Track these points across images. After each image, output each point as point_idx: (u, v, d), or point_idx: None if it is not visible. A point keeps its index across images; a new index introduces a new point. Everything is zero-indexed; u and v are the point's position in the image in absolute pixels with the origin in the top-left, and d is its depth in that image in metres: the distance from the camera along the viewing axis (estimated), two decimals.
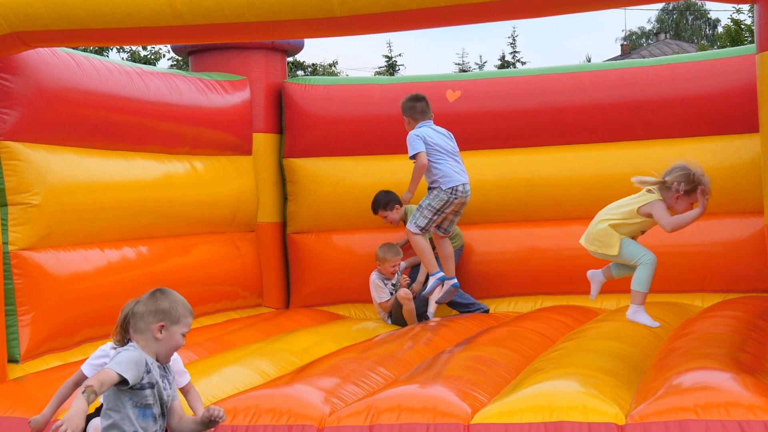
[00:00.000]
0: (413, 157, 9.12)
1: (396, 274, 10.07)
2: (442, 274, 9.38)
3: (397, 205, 10.23)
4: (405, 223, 9.84)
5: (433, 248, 9.54)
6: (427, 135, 9.12)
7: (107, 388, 4.68)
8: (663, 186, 6.81)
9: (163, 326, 4.94)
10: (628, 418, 5.59)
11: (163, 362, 5.02)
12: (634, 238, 7.07)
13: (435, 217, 9.08)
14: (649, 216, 6.90)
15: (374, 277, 10.09)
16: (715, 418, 5.45)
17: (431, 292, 9.63)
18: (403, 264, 10.20)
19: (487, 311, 10.20)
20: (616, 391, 6.07)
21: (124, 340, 5.58)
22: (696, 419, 5.46)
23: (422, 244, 9.17)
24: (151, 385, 4.85)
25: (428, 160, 9.09)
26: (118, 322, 5.68)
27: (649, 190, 6.97)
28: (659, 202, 6.79)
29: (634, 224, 6.99)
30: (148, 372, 4.84)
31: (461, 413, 5.76)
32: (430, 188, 9.22)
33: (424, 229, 9.10)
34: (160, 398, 4.90)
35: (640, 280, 6.90)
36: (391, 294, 9.96)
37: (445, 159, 9.07)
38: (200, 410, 5.65)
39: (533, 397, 5.87)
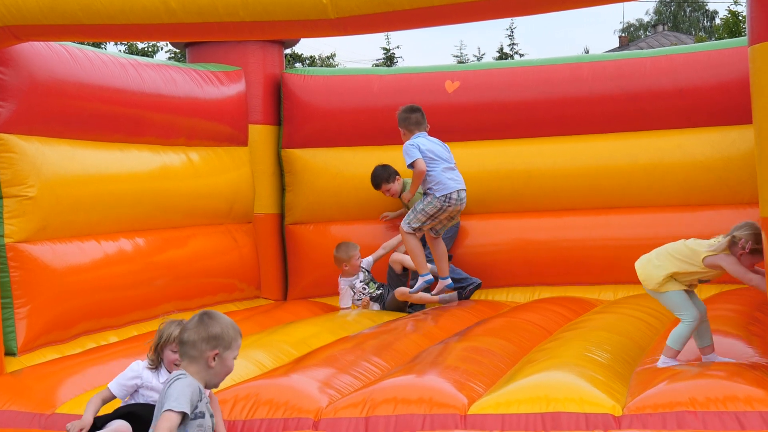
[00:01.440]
0: (411, 165, 9.16)
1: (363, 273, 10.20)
2: (430, 276, 9.40)
3: (396, 177, 10.32)
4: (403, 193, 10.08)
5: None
6: (422, 144, 9.16)
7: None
8: (731, 240, 6.65)
9: (217, 354, 4.82)
10: (624, 410, 5.59)
11: (211, 388, 4.94)
12: (690, 286, 6.85)
13: (428, 221, 9.11)
14: (714, 268, 6.66)
15: (343, 284, 10.20)
16: (712, 410, 5.46)
17: (417, 292, 9.67)
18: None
19: (479, 285, 10.23)
20: (613, 383, 6.07)
21: (157, 361, 5.57)
22: (693, 411, 5.46)
23: (413, 243, 9.19)
24: (202, 415, 4.77)
25: None
26: (153, 343, 5.67)
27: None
28: (729, 256, 6.60)
29: (693, 274, 6.76)
30: (200, 400, 4.75)
31: (458, 404, 5.77)
32: (424, 194, 9.24)
33: (417, 230, 9.12)
34: (207, 426, 4.81)
35: (676, 337, 6.66)
36: (359, 299, 10.13)
37: (438, 166, 9.09)
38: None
39: (530, 387, 5.88)
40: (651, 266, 6.81)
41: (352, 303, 10.16)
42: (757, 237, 6.51)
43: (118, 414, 5.80)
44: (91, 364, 7.31)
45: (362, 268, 10.23)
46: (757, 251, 6.52)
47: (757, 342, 7.30)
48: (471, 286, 10.15)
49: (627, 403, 5.68)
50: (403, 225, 9.23)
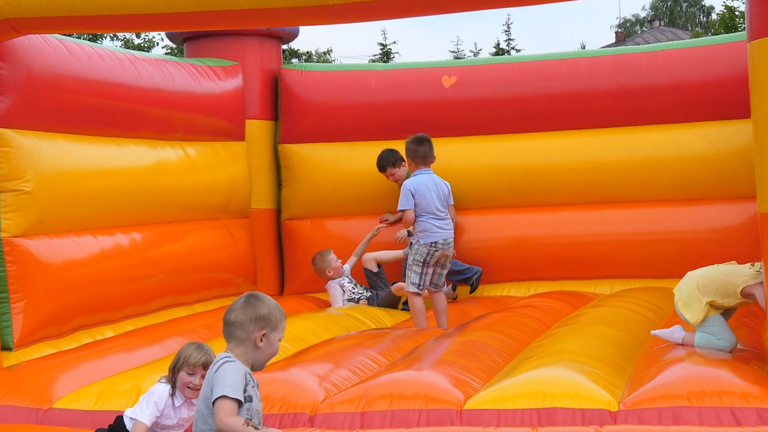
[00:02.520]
0: (401, 210, 9.15)
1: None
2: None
3: (402, 162, 10.28)
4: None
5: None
6: (419, 188, 9.06)
7: None
8: None
9: (264, 334, 4.84)
10: (621, 405, 5.60)
11: (257, 370, 4.94)
12: (728, 311, 6.84)
13: (425, 270, 9.05)
14: (750, 296, 6.63)
15: (332, 284, 10.24)
16: (708, 405, 5.46)
17: None
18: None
19: (480, 273, 10.24)
20: (609, 378, 6.07)
21: (171, 380, 5.55)
22: (689, 406, 5.47)
23: (417, 304, 9.13)
24: (250, 399, 4.76)
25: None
26: (171, 364, 5.64)
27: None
28: (762, 286, 6.48)
29: (730, 302, 6.73)
30: (247, 384, 4.75)
31: (453, 399, 5.77)
32: (411, 243, 9.21)
33: (420, 286, 9.08)
34: (255, 410, 4.80)
35: (706, 345, 6.73)
36: (350, 299, 10.15)
37: (427, 216, 9.04)
38: None
39: (526, 383, 5.88)
40: (691, 299, 6.75)
41: (344, 302, 10.13)
42: None
43: None
44: (87, 359, 7.31)
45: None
46: None
47: (746, 333, 7.32)
48: (476, 276, 10.17)
49: (623, 398, 5.69)
50: (407, 287, 9.19)
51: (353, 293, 10.17)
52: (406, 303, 10.03)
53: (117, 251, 8.62)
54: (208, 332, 8.32)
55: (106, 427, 5.85)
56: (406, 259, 9.69)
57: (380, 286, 10.29)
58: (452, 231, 9.19)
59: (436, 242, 8.98)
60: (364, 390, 5.94)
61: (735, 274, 6.70)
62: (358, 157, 10.88)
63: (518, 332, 7.86)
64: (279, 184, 11.20)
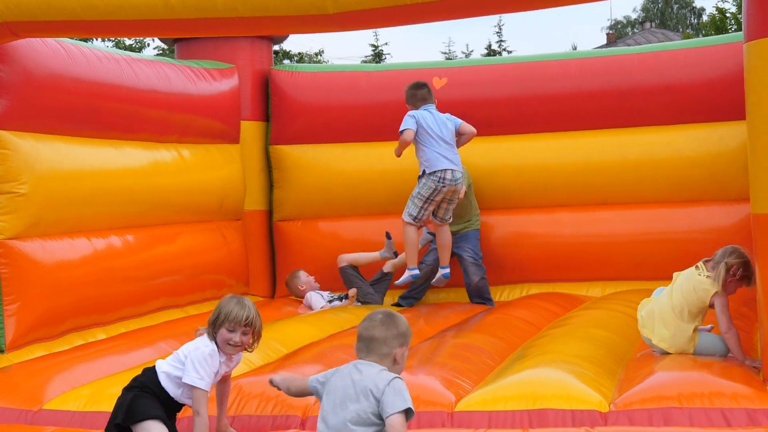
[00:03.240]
0: (401, 132, 9.11)
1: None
2: (417, 271, 9.36)
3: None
4: None
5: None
6: (422, 117, 9.09)
7: None
8: (723, 266, 6.67)
9: (404, 351, 5.06)
10: (611, 406, 5.61)
11: None
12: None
13: (426, 206, 9.05)
14: (711, 306, 6.75)
15: (309, 294, 10.25)
16: (699, 406, 5.48)
17: (404, 284, 9.68)
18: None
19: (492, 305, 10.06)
20: (600, 379, 6.08)
21: (212, 336, 5.52)
22: (679, 407, 5.48)
23: (410, 235, 9.15)
24: None
25: (417, 141, 9.06)
26: (211, 318, 5.58)
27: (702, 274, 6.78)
28: (722, 296, 6.61)
29: (702, 318, 6.82)
30: None
31: (445, 401, 5.77)
32: (419, 177, 9.19)
33: (417, 219, 9.08)
34: None
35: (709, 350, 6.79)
36: (330, 301, 10.14)
37: (432, 144, 9.01)
38: (224, 405, 5.69)
39: (517, 384, 5.89)
40: (682, 340, 6.77)
41: (325, 305, 10.10)
42: (746, 264, 6.56)
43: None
44: (79, 361, 7.30)
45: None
46: (745, 278, 6.58)
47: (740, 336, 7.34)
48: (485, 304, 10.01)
49: (614, 399, 5.70)
50: (403, 215, 9.20)
51: (332, 296, 10.18)
52: (404, 297, 10.03)
53: (110, 253, 8.62)
54: None
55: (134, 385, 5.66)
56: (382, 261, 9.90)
57: (359, 284, 10.22)
58: (459, 162, 9.16)
59: (442, 175, 8.95)
60: None
61: (700, 291, 6.74)
62: (350, 158, 10.89)
63: (509, 334, 7.87)
64: (271, 185, 11.20)
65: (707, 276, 6.71)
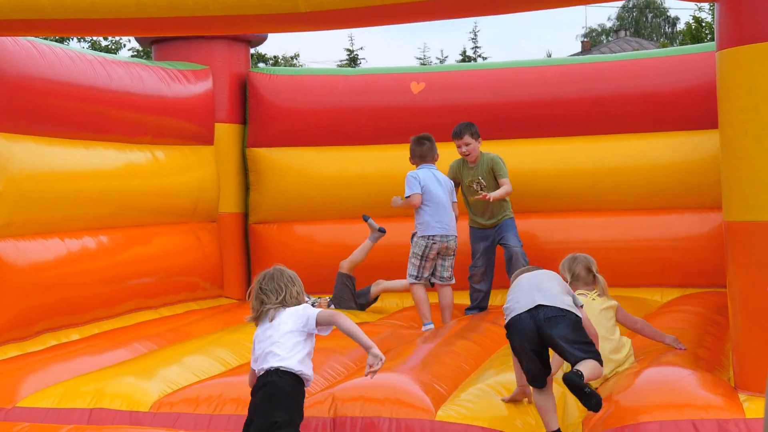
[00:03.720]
0: (407, 196, 9.09)
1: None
2: (432, 325, 9.16)
3: (479, 138, 9.76)
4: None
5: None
6: (424, 179, 9.09)
7: None
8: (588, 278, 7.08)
9: None
10: (583, 421, 5.64)
11: None
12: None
13: (423, 264, 9.04)
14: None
15: None
16: (669, 419, 5.49)
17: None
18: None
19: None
20: None
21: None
22: (651, 422, 5.49)
23: (418, 294, 9.09)
24: None
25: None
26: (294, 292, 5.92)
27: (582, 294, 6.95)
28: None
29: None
30: None
31: (424, 405, 5.77)
32: (412, 236, 9.19)
33: (418, 277, 9.07)
34: None
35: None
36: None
37: (429, 207, 9.04)
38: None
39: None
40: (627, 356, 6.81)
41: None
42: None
43: None
44: (52, 362, 7.26)
45: None
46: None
47: (710, 341, 7.38)
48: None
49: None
50: (407, 278, 9.21)
51: (308, 298, 10.17)
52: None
53: (84, 254, 8.59)
54: (175, 336, 8.30)
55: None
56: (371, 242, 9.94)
57: (345, 292, 10.20)
58: (454, 226, 9.16)
59: (433, 236, 8.98)
60: (335, 393, 5.94)
61: (601, 317, 6.82)
62: (326, 162, 10.88)
63: (485, 339, 7.88)
64: (247, 187, 11.19)
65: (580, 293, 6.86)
